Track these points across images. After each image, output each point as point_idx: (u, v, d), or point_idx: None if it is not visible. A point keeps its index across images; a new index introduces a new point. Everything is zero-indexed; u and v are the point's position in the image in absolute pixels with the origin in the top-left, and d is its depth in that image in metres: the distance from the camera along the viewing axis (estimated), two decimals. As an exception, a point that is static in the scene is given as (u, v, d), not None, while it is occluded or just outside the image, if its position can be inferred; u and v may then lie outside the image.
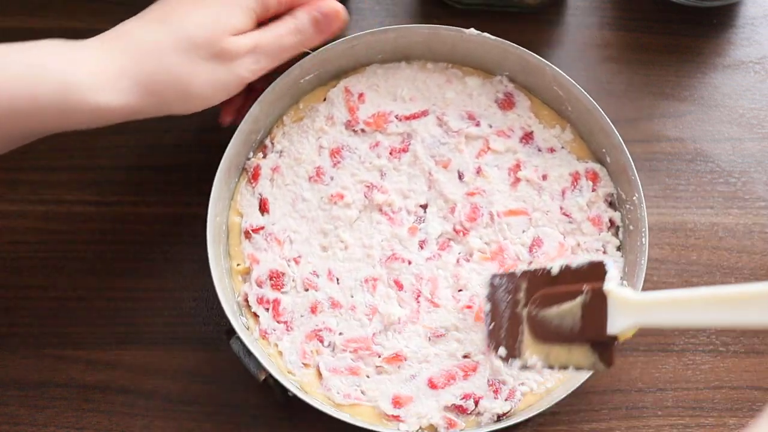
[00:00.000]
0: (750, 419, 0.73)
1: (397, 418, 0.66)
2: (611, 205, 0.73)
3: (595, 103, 0.71)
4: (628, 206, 0.71)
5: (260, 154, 0.74)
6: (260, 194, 0.72)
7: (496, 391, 0.67)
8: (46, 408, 0.72)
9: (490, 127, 0.75)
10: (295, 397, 0.64)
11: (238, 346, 0.65)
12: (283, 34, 0.65)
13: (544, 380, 0.68)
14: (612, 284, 0.55)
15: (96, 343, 0.74)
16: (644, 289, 0.68)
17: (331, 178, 0.73)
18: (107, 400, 0.72)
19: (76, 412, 0.72)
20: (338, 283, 0.70)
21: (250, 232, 0.71)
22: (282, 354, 0.68)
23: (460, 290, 0.70)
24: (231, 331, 0.65)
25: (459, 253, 0.71)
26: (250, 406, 0.72)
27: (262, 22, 0.65)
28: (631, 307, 0.54)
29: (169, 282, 0.76)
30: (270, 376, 0.64)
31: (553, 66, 0.72)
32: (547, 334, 0.60)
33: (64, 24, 0.84)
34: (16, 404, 0.72)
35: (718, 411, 0.74)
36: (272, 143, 0.74)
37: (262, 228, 0.71)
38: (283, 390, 0.65)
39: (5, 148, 0.62)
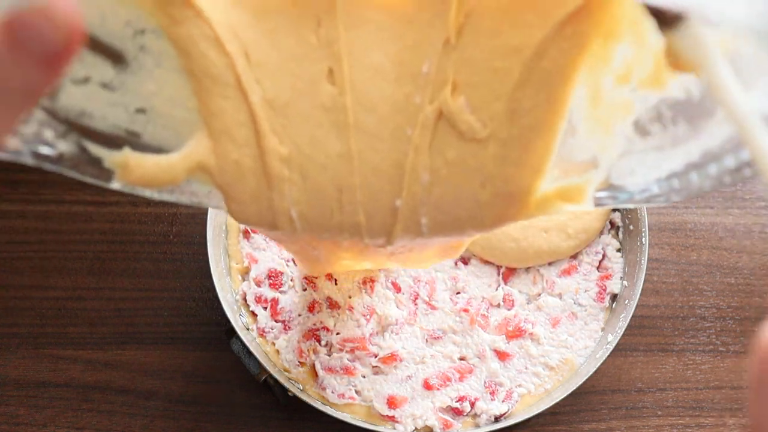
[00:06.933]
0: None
1: (392, 418, 0.66)
2: (611, 205, 0.73)
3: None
4: (627, 206, 0.71)
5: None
6: (260, 194, 0.72)
7: (492, 393, 0.67)
8: (46, 408, 0.72)
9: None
10: (294, 397, 0.64)
11: (238, 346, 0.65)
12: None
13: (541, 382, 0.68)
14: None
15: (96, 343, 0.74)
16: (644, 289, 0.68)
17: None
18: (107, 400, 0.72)
19: (75, 412, 0.72)
20: (336, 284, 0.70)
21: (249, 231, 0.71)
22: (279, 352, 0.68)
23: (458, 293, 0.70)
24: (231, 331, 0.66)
25: (458, 254, 0.71)
26: (250, 406, 0.72)
27: None
28: None
29: (169, 282, 0.76)
30: (270, 376, 0.64)
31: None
32: None
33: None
34: (16, 404, 0.72)
35: (718, 411, 0.73)
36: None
37: (262, 228, 0.71)
38: (283, 390, 0.65)
39: None
